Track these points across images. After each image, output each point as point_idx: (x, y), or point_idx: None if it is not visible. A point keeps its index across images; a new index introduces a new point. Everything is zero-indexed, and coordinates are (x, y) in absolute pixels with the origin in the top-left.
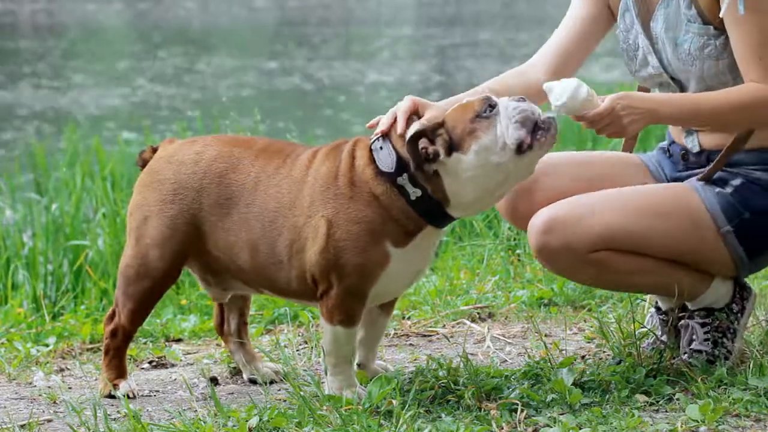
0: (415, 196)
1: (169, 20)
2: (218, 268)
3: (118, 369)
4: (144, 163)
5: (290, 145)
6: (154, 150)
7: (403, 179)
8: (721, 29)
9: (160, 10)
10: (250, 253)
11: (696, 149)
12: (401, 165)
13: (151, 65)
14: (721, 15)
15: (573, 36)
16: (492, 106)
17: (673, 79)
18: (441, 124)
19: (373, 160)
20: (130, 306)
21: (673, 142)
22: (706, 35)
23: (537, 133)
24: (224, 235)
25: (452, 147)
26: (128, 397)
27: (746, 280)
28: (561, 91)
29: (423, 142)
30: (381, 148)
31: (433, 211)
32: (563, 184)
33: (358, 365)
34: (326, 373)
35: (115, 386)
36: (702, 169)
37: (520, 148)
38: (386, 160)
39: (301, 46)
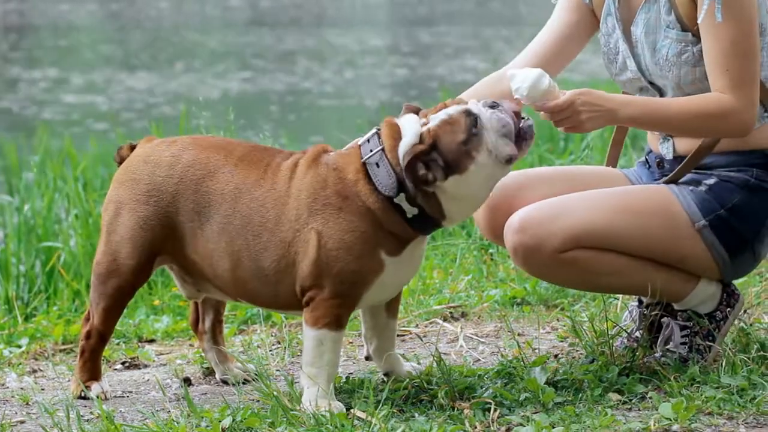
0: (412, 214)
1: (142, 20)
2: (195, 272)
3: (91, 371)
4: (121, 160)
5: (268, 152)
6: (132, 147)
7: (400, 199)
8: (698, 36)
9: (133, 11)
10: (231, 264)
11: (670, 156)
12: (400, 185)
13: (123, 65)
14: (699, 22)
15: (555, 41)
16: (475, 119)
17: (651, 84)
18: (432, 148)
19: (366, 175)
20: (103, 305)
21: (650, 152)
22: (684, 42)
23: (521, 143)
24: (203, 242)
25: (449, 170)
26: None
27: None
28: (523, 79)
29: (420, 167)
30: (377, 165)
31: (427, 225)
32: (544, 197)
33: (386, 374)
34: (303, 379)
35: (87, 387)
36: None
37: (510, 160)
38: (386, 181)
39: (273, 47)
